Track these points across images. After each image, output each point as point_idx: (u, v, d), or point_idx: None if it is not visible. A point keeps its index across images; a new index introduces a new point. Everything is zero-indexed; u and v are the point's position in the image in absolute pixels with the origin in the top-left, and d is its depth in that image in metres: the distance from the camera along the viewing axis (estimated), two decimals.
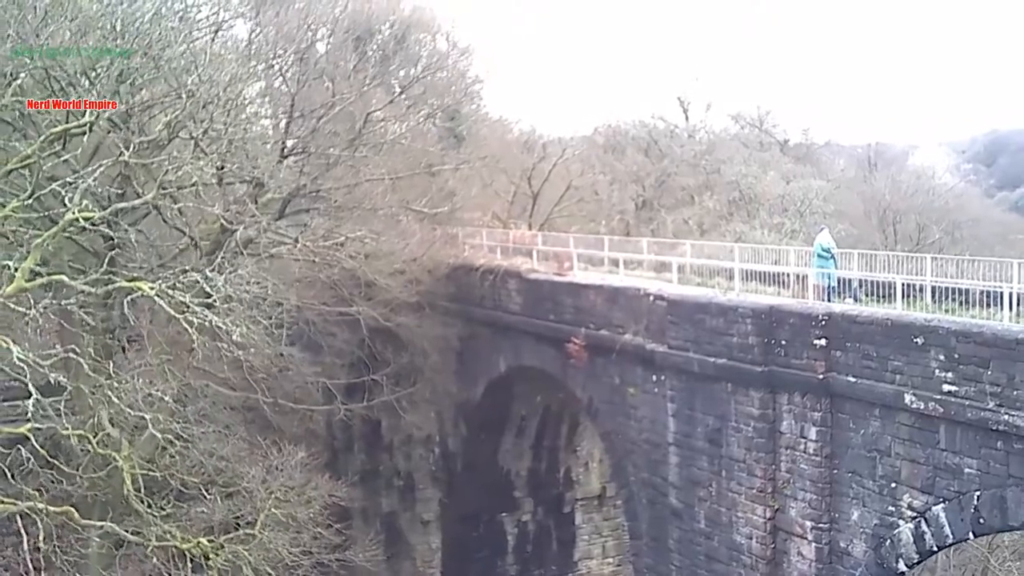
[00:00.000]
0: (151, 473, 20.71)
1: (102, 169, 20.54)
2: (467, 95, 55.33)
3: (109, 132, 24.74)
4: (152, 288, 18.78)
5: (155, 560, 21.27)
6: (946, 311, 20.82)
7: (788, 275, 25.04)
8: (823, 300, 23.75)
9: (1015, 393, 17.99)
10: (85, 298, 23.01)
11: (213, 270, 19.84)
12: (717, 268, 27.85)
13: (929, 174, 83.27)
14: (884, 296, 22.43)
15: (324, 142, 29.73)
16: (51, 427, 19.57)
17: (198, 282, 19.05)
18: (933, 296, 21.35)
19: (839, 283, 24.17)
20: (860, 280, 23.71)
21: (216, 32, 26.55)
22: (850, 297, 23.87)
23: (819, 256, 24.72)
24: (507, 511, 38.68)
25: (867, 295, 23.54)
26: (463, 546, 39.26)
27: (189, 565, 20.34)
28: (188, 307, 18.26)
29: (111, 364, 23.53)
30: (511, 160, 51.73)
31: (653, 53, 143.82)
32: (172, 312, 18.56)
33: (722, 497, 24.30)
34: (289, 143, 29.30)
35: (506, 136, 56.66)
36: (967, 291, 20.76)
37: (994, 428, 18.34)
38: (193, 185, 24.93)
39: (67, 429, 19.96)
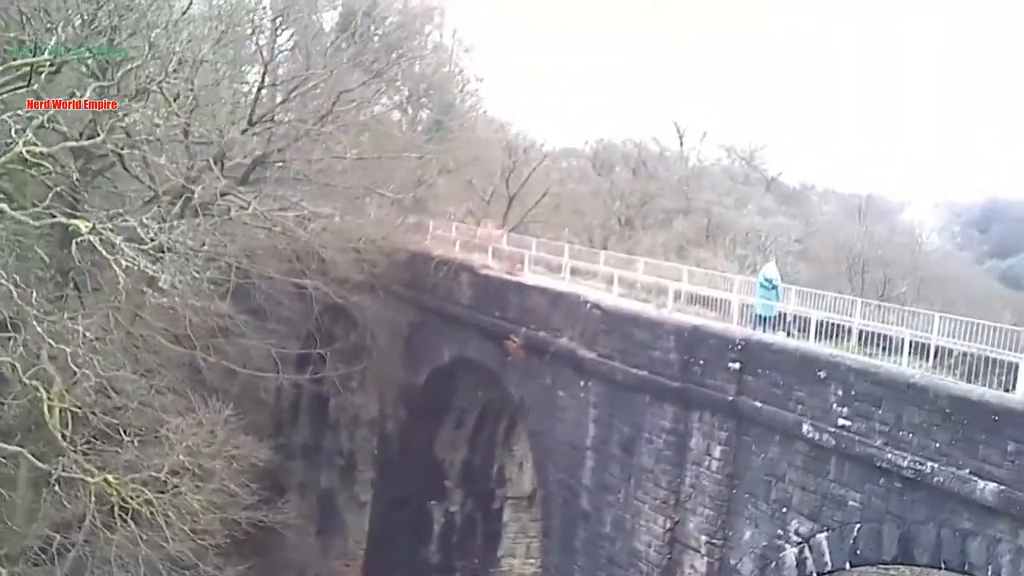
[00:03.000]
0: (73, 409, 21.21)
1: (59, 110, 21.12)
2: (463, 92, 56.42)
3: (88, 78, 25.43)
4: (87, 226, 19.37)
5: (83, 497, 21.61)
6: (868, 354, 21.52)
7: (717, 300, 25.79)
8: (758, 329, 24.38)
9: (900, 433, 18.78)
10: (37, 231, 23.67)
11: (150, 218, 20.46)
12: (662, 287, 28.52)
13: (917, 231, 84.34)
14: (827, 335, 22.94)
15: (294, 115, 30.39)
16: None
17: (134, 226, 19.65)
18: (860, 339, 22.05)
19: (779, 316, 24.78)
20: (795, 315, 24.29)
21: None
22: (782, 330, 24.56)
23: (762, 286, 25.39)
24: (436, 499, 39.30)
25: (800, 331, 24.16)
26: (389, 529, 39.87)
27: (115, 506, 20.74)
28: (119, 249, 18.82)
29: (64, 301, 24.15)
30: (494, 160, 52.60)
31: (661, 72, 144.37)
32: (103, 252, 19.15)
33: (628, 504, 25.04)
34: (258, 111, 29.92)
35: (495, 135, 57.56)
36: (890, 338, 21.41)
37: (878, 465, 19.12)
38: (156, 140, 25.55)
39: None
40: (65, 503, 22.93)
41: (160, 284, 19.78)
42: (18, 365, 21.19)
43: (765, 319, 24.71)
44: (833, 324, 22.43)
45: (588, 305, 27.60)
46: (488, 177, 52.12)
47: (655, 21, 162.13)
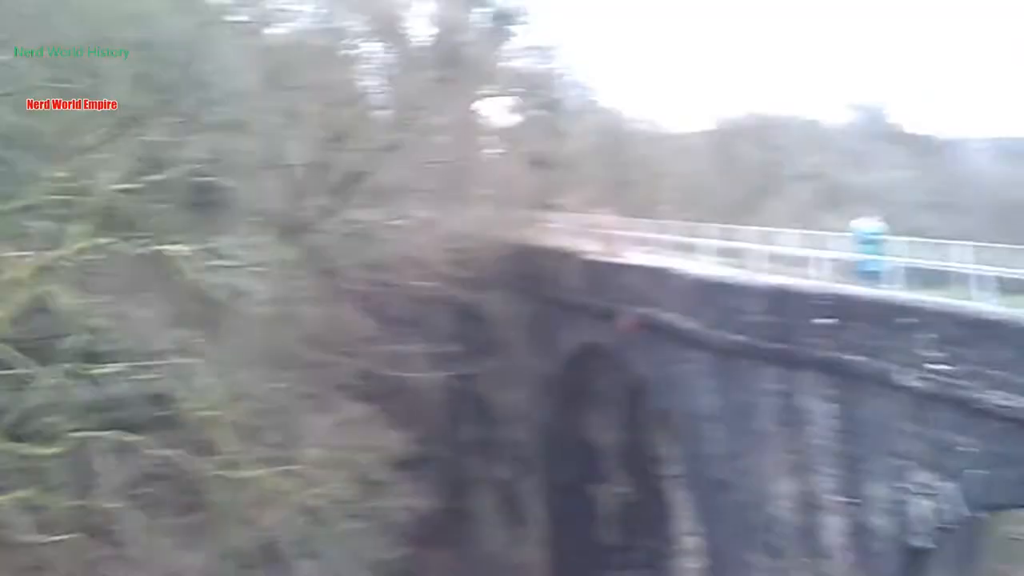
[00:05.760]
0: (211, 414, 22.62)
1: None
2: (572, 85, 56.55)
3: None
4: (177, 249, 21.08)
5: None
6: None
7: (816, 258, 24.92)
8: (865, 284, 23.05)
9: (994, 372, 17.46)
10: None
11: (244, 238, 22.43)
12: (760, 252, 27.44)
13: None
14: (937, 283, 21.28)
15: (375, 128, 31.65)
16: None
17: (217, 247, 21.53)
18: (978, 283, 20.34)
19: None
20: (905, 266, 22.56)
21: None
22: (890, 284, 23.10)
23: (860, 241, 24.17)
24: (601, 483, 39.45)
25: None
26: (563, 515, 40.37)
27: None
28: (212, 269, 20.91)
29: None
30: (608, 149, 52.76)
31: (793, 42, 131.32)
32: (191, 273, 21.00)
33: (757, 471, 24.34)
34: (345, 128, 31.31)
35: (610, 124, 57.59)
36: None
37: (982, 408, 17.83)
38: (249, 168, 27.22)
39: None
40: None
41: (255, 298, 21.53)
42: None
43: (873, 274, 23.39)
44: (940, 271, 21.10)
45: (681, 278, 27.13)
46: (605, 167, 52.06)
47: None
